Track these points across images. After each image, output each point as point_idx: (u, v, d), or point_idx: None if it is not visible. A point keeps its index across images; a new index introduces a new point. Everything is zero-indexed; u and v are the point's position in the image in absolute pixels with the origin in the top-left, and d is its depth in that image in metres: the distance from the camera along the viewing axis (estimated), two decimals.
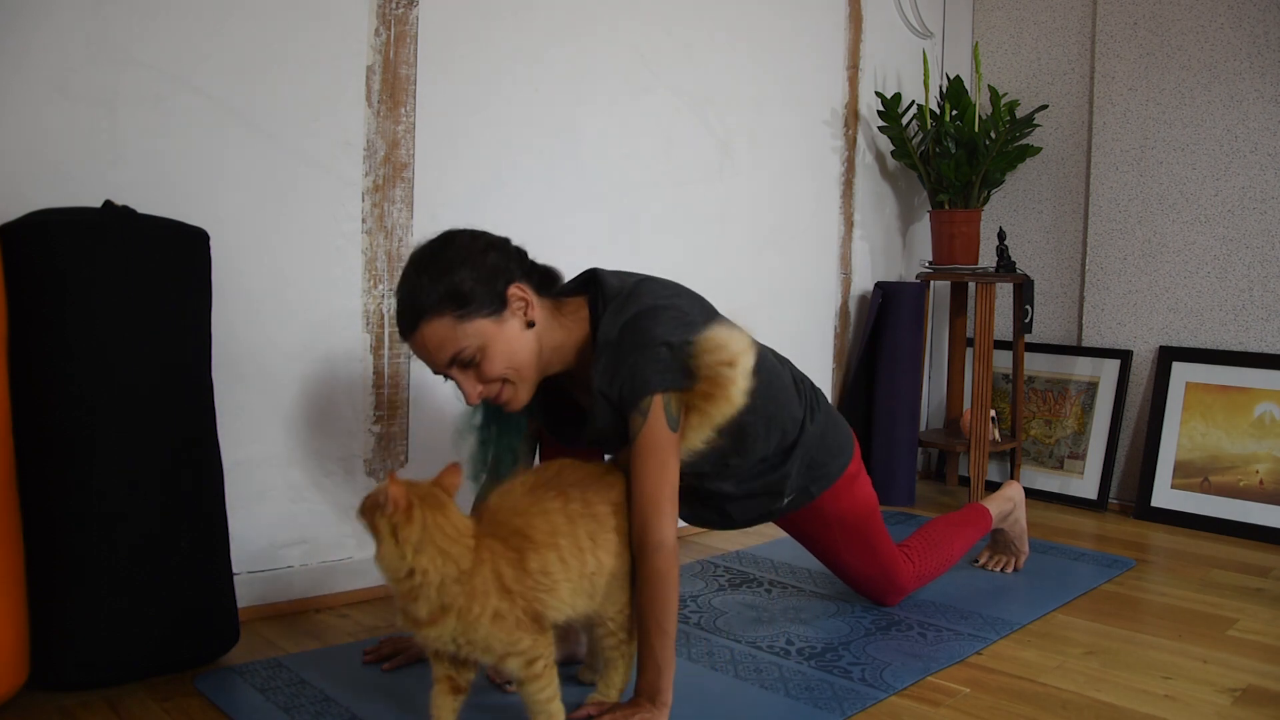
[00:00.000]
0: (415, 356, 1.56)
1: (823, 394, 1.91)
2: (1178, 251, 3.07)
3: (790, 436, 1.77)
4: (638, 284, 1.59)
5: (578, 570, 1.39)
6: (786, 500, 1.82)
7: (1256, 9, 2.91)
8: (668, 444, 1.49)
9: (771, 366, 1.77)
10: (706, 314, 1.64)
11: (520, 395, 1.55)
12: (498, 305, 1.49)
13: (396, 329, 1.56)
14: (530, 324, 1.53)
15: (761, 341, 1.89)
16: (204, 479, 1.67)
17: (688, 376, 1.50)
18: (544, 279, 1.60)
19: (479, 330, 1.48)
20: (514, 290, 1.51)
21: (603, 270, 1.63)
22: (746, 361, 1.47)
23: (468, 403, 1.54)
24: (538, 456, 1.82)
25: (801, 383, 1.85)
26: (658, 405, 1.48)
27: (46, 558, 1.53)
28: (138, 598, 1.57)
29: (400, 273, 1.54)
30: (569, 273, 1.74)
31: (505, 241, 1.56)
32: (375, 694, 1.59)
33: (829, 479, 1.85)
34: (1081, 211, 3.29)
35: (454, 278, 1.47)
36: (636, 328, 1.51)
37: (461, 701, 1.39)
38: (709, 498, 1.78)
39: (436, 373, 1.54)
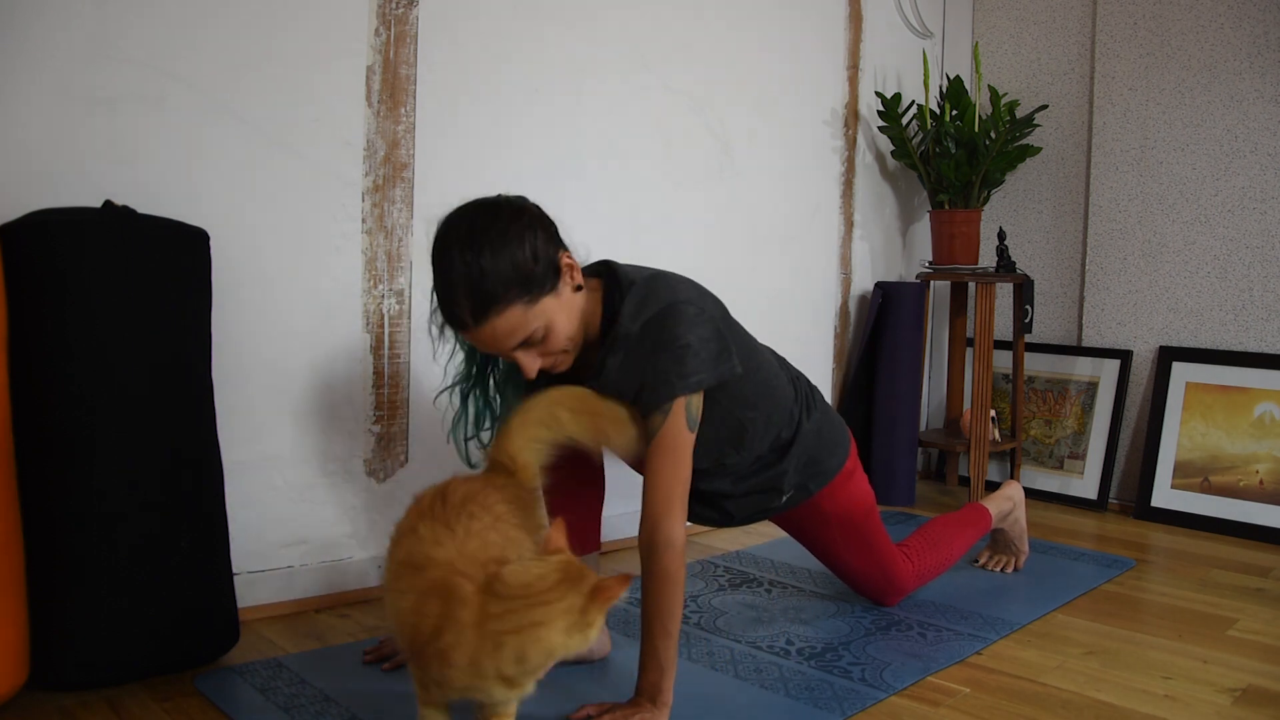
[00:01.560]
0: (464, 342, 1.49)
1: (819, 391, 1.92)
2: (1178, 251, 3.07)
3: (788, 433, 1.78)
4: (654, 277, 1.58)
5: None
6: (785, 498, 1.82)
7: (1256, 9, 2.91)
8: (685, 444, 1.50)
9: (769, 364, 1.77)
10: (720, 312, 1.65)
11: (570, 358, 1.55)
12: (556, 278, 1.46)
13: (445, 320, 1.46)
14: (578, 287, 1.51)
15: (761, 341, 1.89)
16: (204, 479, 1.67)
17: (710, 374, 1.52)
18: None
19: (545, 309, 1.44)
20: (564, 257, 1.48)
21: (616, 262, 1.62)
22: None
23: (527, 377, 1.50)
24: None
25: (798, 380, 1.86)
26: (679, 406, 1.49)
27: (46, 558, 1.53)
28: (138, 598, 1.57)
29: (436, 255, 1.43)
30: None
31: (537, 207, 1.51)
32: (375, 694, 1.59)
33: (826, 476, 1.85)
34: (1081, 211, 3.29)
35: (518, 259, 1.40)
36: (661, 326, 1.51)
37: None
38: (708, 496, 1.78)
39: (491, 354, 1.51)
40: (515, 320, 1.42)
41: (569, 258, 1.50)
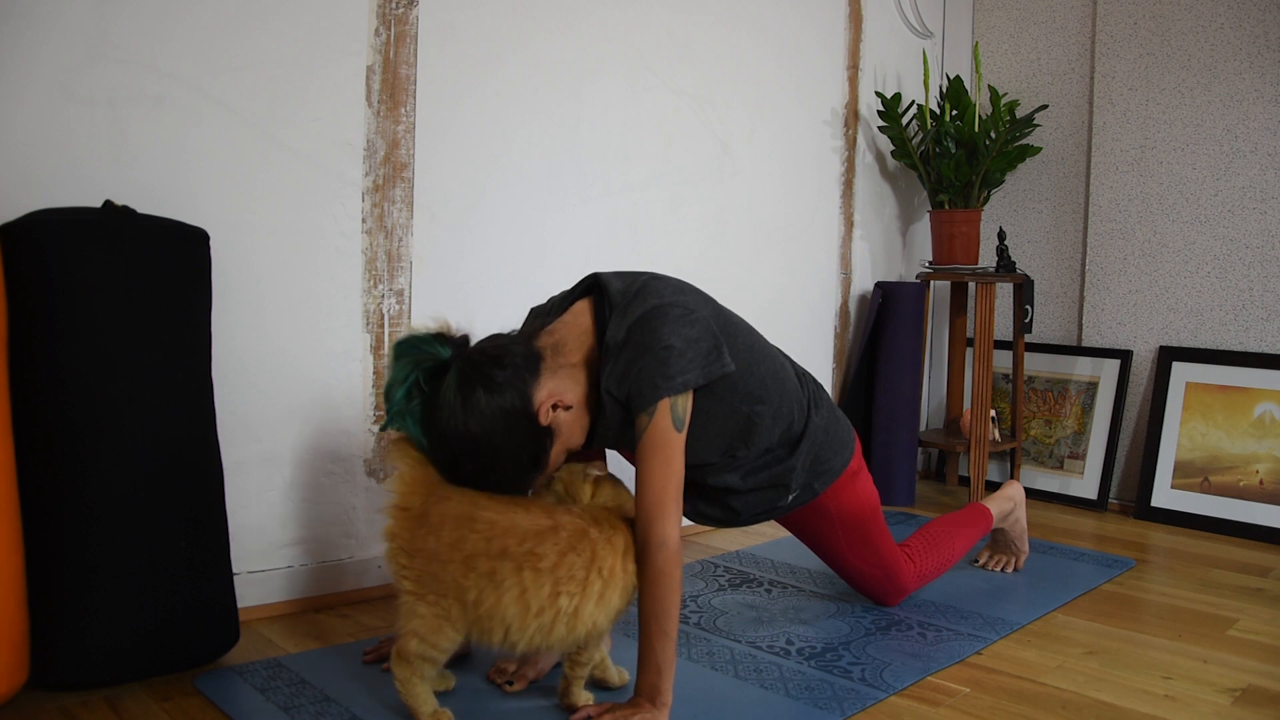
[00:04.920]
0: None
1: (824, 389, 1.92)
2: (1178, 251, 3.07)
3: (797, 427, 1.78)
4: (644, 284, 1.59)
5: None
6: (792, 496, 1.82)
7: (1256, 9, 2.91)
8: (672, 444, 1.50)
9: (774, 358, 1.78)
10: (713, 311, 1.64)
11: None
12: (551, 438, 1.51)
13: None
14: (568, 407, 1.54)
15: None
16: (204, 479, 1.67)
17: (697, 373, 1.52)
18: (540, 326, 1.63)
19: (556, 453, 1.55)
20: (545, 414, 1.49)
21: (605, 275, 1.63)
22: None
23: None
24: None
25: (803, 376, 1.86)
26: (664, 406, 1.49)
27: (46, 557, 1.53)
28: (138, 598, 1.57)
29: (440, 439, 1.47)
30: (569, 274, 1.74)
31: (493, 372, 1.46)
32: (375, 694, 1.59)
33: (833, 474, 1.85)
34: (1081, 211, 3.29)
35: (521, 464, 1.49)
36: (644, 328, 1.52)
37: None
38: (715, 493, 1.78)
39: None
40: (538, 482, 1.58)
41: (545, 398, 1.49)
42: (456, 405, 1.43)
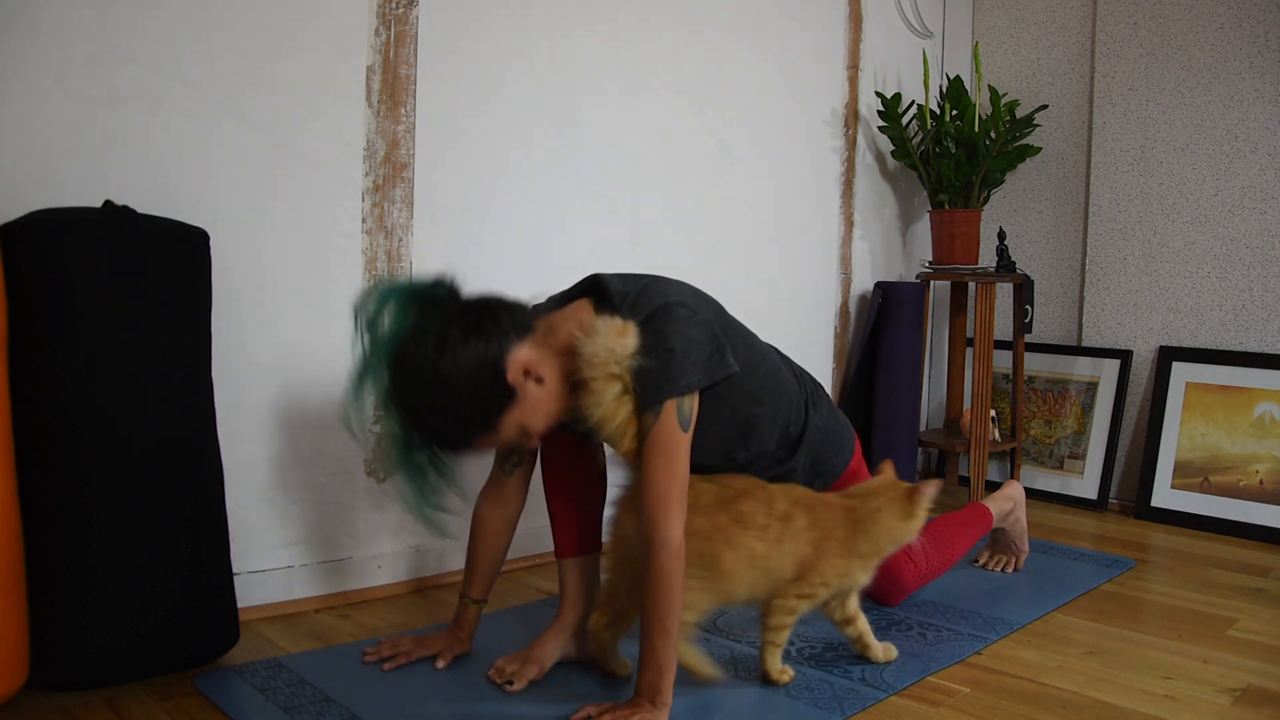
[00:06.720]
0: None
1: (823, 389, 1.92)
2: (1178, 251, 3.07)
3: (795, 429, 1.78)
4: (645, 286, 1.59)
5: None
6: None
7: (1256, 9, 2.91)
8: (677, 445, 1.50)
9: (771, 359, 1.78)
10: (715, 312, 1.65)
11: (560, 419, 1.59)
12: (509, 398, 1.49)
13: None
14: (540, 380, 1.52)
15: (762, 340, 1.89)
16: (204, 479, 1.67)
17: (702, 375, 1.52)
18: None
19: (511, 422, 1.51)
20: (514, 373, 1.49)
21: (605, 276, 1.63)
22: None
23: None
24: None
25: (801, 376, 1.86)
26: (670, 407, 1.49)
27: (46, 558, 1.53)
28: (138, 597, 1.57)
29: (388, 405, 1.50)
30: (569, 274, 1.74)
31: (482, 318, 1.49)
32: (375, 694, 1.59)
33: (833, 474, 1.85)
34: (1081, 211, 3.29)
35: (464, 413, 1.47)
36: (648, 330, 1.52)
37: None
38: None
39: None
40: (484, 446, 1.55)
41: (520, 360, 1.49)
42: (433, 335, 1.45)
